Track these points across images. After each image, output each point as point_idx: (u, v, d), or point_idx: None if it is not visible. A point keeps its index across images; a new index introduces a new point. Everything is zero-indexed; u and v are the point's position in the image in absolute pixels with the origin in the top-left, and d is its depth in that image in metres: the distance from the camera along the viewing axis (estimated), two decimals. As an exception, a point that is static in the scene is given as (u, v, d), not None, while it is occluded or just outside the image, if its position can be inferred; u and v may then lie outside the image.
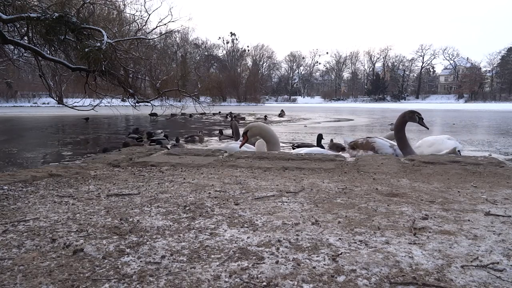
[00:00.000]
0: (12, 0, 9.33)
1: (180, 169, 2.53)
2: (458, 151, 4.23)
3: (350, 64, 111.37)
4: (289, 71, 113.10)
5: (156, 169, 2.56)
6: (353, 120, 20.08)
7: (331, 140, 7.99)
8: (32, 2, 9.73)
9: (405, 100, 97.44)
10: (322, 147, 6.00)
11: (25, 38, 10.95)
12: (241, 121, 17.49)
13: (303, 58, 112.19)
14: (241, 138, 3.87)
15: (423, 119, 4.43)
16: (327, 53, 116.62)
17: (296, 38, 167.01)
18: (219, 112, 24.65)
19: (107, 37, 12.84)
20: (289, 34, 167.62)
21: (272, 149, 3.70)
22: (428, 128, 4.73)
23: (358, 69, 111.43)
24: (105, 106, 14.11)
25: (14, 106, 58.41)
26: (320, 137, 7.16)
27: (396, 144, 4.63)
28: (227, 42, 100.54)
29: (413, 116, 4.38)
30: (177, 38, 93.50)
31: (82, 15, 13.05)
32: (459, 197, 1.78)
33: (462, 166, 2.57)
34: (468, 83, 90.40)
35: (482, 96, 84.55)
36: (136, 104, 16.16)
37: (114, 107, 15.20)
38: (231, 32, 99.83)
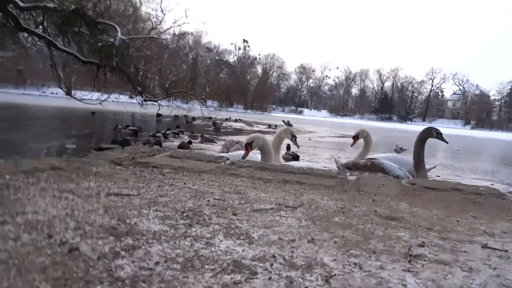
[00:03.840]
0: (30, -12, 9.45)
1: (182, 173, 2.54)
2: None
3: (360, 81, 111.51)
4: (298, 83, 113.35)
5: (157, 170, 2.57)
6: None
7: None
8: (50, -8, 9.85)
9: (411, 121, 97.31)
10: None
11: (40, 27, 11.08)
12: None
13: (313, 70, 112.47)
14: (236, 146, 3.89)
15: (441, 134, 4.62)
16: (337, 68, 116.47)
17: (307, 50, 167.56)
18: (227, 118, 24.52)
19: (121, 34, 12.95)
20: (301, 46, 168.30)
21: (267, 160, 3.74)
22: (447, 142, 4.85)
23: (367, 86, 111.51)
24: (112, 101, 14.15)
25: (23, 93, 58.89)
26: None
27: (401, 167, 4.68)
28: (239, 49, 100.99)
29: (431, 132, 4.59)
30: (190, 40, 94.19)
31: (99, 9, 13.21)
32: (458, 226, 1.77)
33: (463, 195, 2.56)
34: (476, 110, 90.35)
35: (489, 124, 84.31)
36: (144, 102, 16.24)
37: (121, 103, 15.23)
38: (243, 39, 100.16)
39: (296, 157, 7.13)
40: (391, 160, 5.69)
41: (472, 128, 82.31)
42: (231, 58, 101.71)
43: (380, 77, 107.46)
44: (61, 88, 14.94)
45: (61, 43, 12.63)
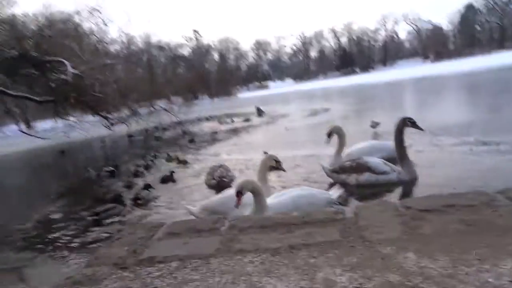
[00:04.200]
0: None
1: (190, 266, 2.55)
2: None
3: (316, 43, 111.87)
4: (257, 59, 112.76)
5: (165, 269, 2.57)
6: (330, 109, 20.28)
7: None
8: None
9: (373, 69, 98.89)
10: None
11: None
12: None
13: (269, 43, 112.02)
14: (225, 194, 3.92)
15: (415, 122, 4.72)
16: (291, 35, 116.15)
17: (259, 25, 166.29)
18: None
19: (71, 67, 12.48)
20: (253, 22, 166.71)
21: (259, 200, 3.81)
22: (423, 130, 4.96)
23: (324, 46, 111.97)
24: (78, 130, 13.61)
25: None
26: None
27: (385, 161, 4.80)
28: (191, 39, 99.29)
29: (405, 122, 4.69)
30: (140, 43, 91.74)
31: (42, 47, 12.63)
32: (467, 277, 1.87)
33: (458, 215, 2.67)
34: (432, 44, 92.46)
35: (448, 55, 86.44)
36: (111, 125, 15.84)
37: (87, 129, 14.71)
38: (194, 30, 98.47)
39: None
40: (371, 150, 5.84)
41: (432, 62, 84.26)
42: (186, 52, 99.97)
43: (335, 35, 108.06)
44: (21, 130, 14.41)
45: (10, 88, 12.19)
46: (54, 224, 6.48)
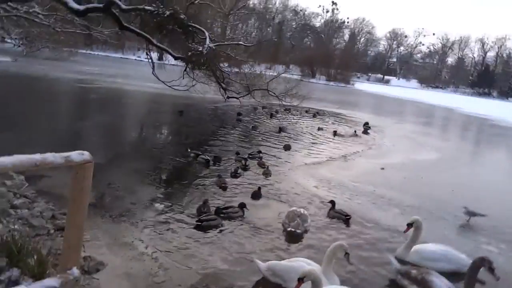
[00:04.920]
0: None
1: None
2: None
3: (458, 50, 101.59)
4: (388, 49, 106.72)
5: None
6: (443, 150, 17.01)
7: (332, 205, 7.46)
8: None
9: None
10: None
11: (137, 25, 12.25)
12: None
13: (405, 36, 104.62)
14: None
15: (494, 269, 4.56)
16: (433, 34, 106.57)
17: (400, 14, 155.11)
18: (307, 110, 23.74)
19: (209, 40, 13.75)
20: (393, 9, 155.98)
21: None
22: (498, 279, 4.75)
23: (465, 55, 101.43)
24: (199, 94, 14.73)
25: (121, 57, 64.12)
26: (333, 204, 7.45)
27: (453, 286, 4.87)
28: (327, 11, 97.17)
29: (483, 263, 4.59)
30: (277, 3, 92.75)
31: (189, 11, 14.04)
32: None
33: None
34: None
35: None
36: (227, 98, 17.20)
37: (207, 92, 15.76)
38: (332, 1, 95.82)
39: (347, 219, 7.31)
40: (441, 258, 5.83)
41: None
42: (318, 22, 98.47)
43: (483, 46, 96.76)
44: (155, 75, 14.74)
45: (156, 40, 13.79)
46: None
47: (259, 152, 11.16)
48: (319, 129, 17.50)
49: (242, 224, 6.54)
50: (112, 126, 13.74)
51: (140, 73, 26.37)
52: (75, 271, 2.17)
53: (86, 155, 2.16)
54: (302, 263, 5.03)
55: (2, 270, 3.12)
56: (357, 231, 6.81)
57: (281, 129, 15.92)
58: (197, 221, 6.23)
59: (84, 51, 49.97)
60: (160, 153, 10.70)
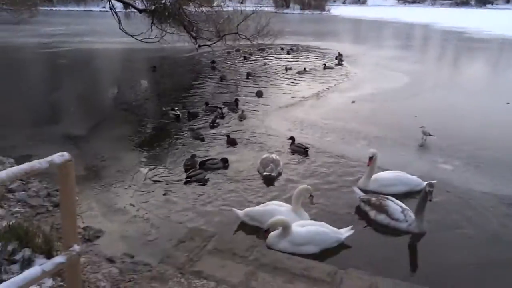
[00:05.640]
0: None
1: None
2: None
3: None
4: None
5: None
6: (420, 73, 17.30)
7: (292, 140, 8.36)
8: None
9: (492, 4, 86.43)
10: None
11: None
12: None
13: None
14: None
15: (432, 192, 5.31)
16: None
17: None
18: (282, 47, 23.42)
19: (173, -6, 13.47)
20: None
21: (286, 231, 5.01)
22: (430, 200, 5.52)
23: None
24: (170, 44, 14.64)
25: (85, 10, 61.09)
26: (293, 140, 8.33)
27: (406, 208, 5.67)
28: None
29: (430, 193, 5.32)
30: None
31: None
32: None
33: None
34: None
35: None
36: (198, 47, 17.24)
37: (178, 42, 15.71)
38: None
39: (306, 151, 8.22)
40: (395, 183, 6.64)
41: None
42: None
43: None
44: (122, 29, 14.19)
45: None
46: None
47: (236, 100, 11.53)
48: (286, 69, 17.19)
49: (223, 175, 7.19)
50: (87, 92, 13.77)
51: (107, 26, 25.45)
52: (76, 247, 2.73)
53: (66, 155, 2.60)
54: (274, 206, 5.74)
55: (15, 251, 3.73)
56: (326, 166, 7.55)
57: (248, 75, 15.78)
58: (186, 178, 6.89)
59: (45, 8, 47.43)
60: (139, 116, 11.02)
